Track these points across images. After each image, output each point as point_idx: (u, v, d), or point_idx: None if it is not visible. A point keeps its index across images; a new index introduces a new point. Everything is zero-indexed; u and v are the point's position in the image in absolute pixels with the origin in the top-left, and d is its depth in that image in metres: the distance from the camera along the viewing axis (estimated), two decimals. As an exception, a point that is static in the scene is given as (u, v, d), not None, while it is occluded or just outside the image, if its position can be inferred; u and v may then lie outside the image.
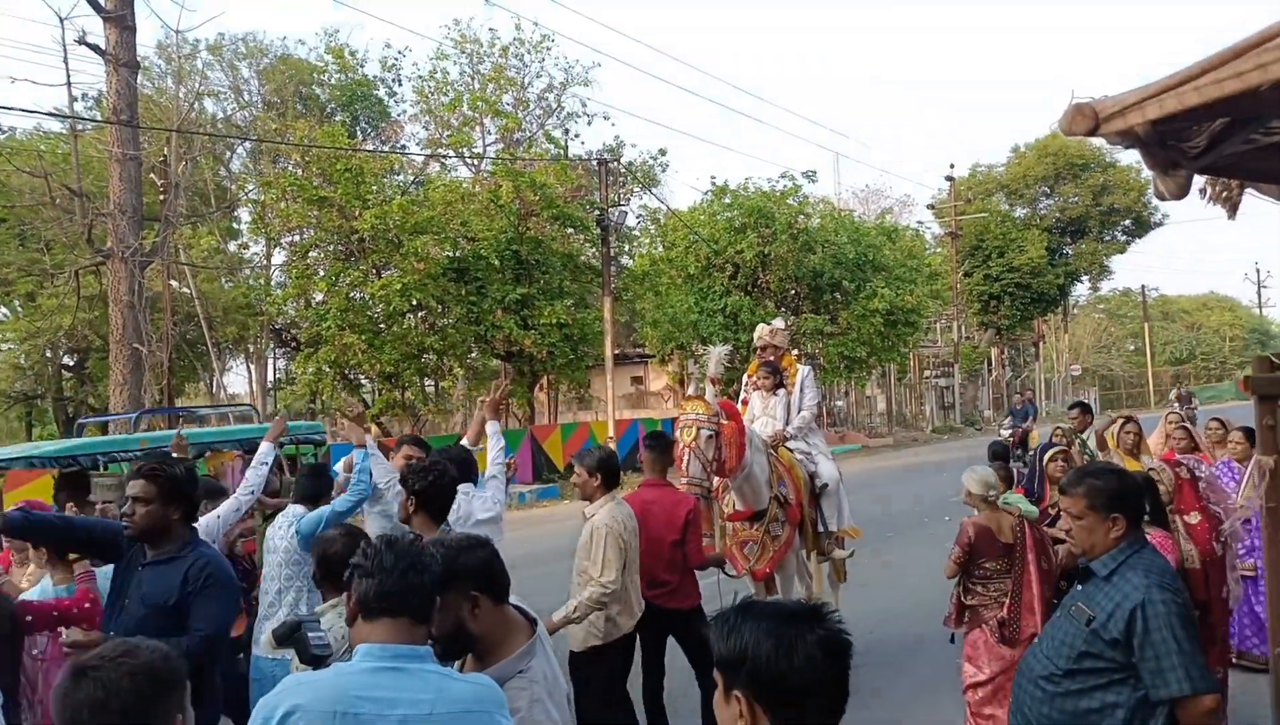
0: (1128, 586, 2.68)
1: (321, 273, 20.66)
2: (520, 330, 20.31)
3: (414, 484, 3.61)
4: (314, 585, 3.88)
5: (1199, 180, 3.39)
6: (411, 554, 2.07)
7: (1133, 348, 60.96)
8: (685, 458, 5.37)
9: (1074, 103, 2.81)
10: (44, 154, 21.39)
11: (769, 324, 7.23)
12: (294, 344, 24.62)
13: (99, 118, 22.84)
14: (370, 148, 27.38)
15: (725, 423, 5.55)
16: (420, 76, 29.61)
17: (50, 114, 22.87)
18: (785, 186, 26.46)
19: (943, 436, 33.25)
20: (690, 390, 5.81)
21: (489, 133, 28.67)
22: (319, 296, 20.87)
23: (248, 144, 27.95)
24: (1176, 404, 14.62)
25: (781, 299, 26.58)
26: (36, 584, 4.03)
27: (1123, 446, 6.44)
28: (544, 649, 2.39)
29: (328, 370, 19.66)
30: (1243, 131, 2.98)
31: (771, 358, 6.97)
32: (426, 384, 22.29)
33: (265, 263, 28.74)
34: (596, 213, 21.90)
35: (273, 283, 26.44)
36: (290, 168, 22.93)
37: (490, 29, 55.95)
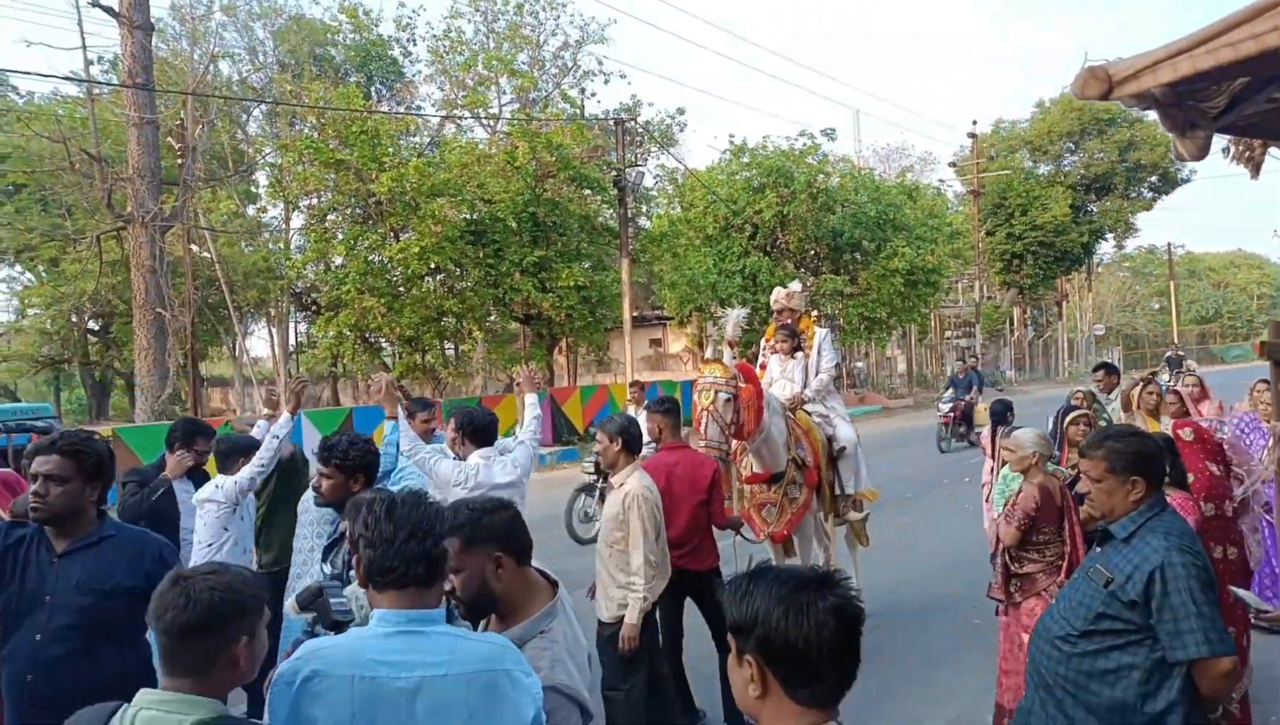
0: (1147, 549, 2.67)
1: (340, 236, 20.69)
2: (538, 293, 20.30)
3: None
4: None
5: (1221, 139, 3.32)
6: (413, 519, 2.07)
7: (1158, 307, 60.24)
8: (703, 421, 5.38)
9: (1087, 66, 2.77)
10: (61, 119, 21.43)
11: (786, 287, 7.20)
12: (314, 307, 24.77)
13: (115, 81, 22.83)
14: (385, 109, 27.24)
15: (743, 386, 5.54)
16: (435, 36, 29.42)
17: (67, 78, 22.92)
18: (804, 145, 26.15)
19: (963, 397, 33.02)
20: (708, 353, 5.78)
21: (504, 92, 28.44)
22: (338, 260, 20.94)
23: (264, 107, 27.87)
24: (1166, 367, 14.38)
25: (801, 259, 26.37)
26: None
27: (1144, 407, 6.39)
28: (565, 610, 2.43)
29: (348, 334, 19.79)
30: (1264, 91, 2.92)
31: (789, 321, 6.95)
32: (447, 347, 22.37)
33: (284, 226, 28.82)
34: (614, 173, 21.69)
35: (292, 246, 26.53)
36: (306, 131, 22.87)
37: (505, -13, 55.00)
